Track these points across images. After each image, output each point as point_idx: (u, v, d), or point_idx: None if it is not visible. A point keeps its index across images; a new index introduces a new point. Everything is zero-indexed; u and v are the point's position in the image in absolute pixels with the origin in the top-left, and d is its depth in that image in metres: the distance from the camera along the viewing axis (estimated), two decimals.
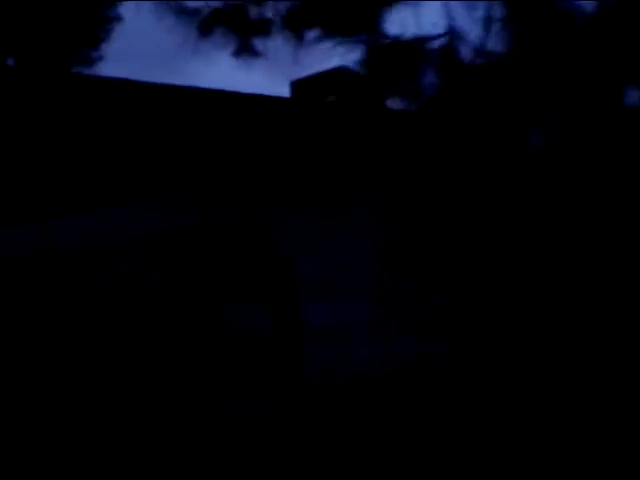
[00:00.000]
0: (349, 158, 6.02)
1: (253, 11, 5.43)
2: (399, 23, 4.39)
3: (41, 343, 7.26)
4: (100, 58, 10.77)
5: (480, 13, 3.96)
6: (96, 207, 7.18)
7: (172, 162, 6.88)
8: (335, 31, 4.50)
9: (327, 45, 5.57)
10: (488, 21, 3.94)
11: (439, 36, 4.21)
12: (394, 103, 4.35)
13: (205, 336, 6.32)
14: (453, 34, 4.11)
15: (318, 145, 6.17)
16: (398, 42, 4.29)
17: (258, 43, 5.62)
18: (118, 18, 10.35)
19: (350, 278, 5.83)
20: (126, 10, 10.34)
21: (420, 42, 4.22)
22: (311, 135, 6.34)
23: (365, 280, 5.79)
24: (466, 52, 4.12)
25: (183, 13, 5.61)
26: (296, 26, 5.46)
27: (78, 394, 6.86)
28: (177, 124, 7.03)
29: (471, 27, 4.04)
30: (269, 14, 5.52)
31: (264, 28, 5.56)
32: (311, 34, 5.58)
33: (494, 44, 4.00)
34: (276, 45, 5.68)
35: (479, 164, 5.12)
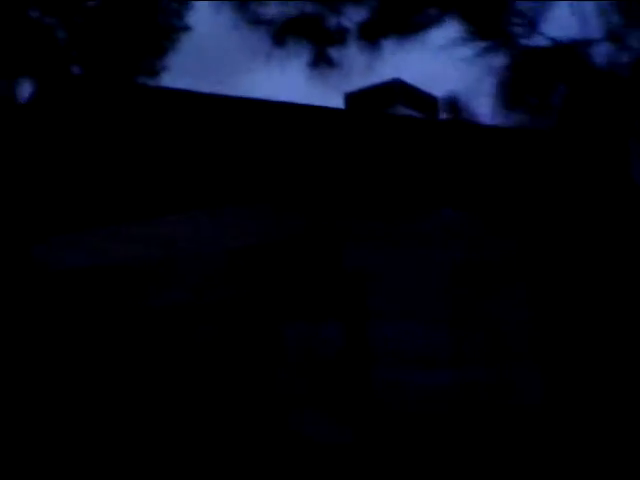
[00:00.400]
0: (424, 174, 5.80)
1: (330, 20, 5.27)
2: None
3: (107, 357, 7.21)
4: (164, 68, 10.80)
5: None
6: (161, 216, 7.12)
7: (239, 175, 6.77)
8: (475, 33, 4.22)
9: (401, 53, 5.37)
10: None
11: (583, 42, 3.91)
12: (513, 117, 4.07)
13: (272, 353, 6.17)
14: (605, 40, 3.80)
15: (391, 159, 5.97)
16: (531, 48, 4.01)
17: (333, 53, 5.46)
18: (186, 28, 10.36)
19: (423, 297, 5.59)
20: (195, 20, 10.33)
21: (556, 49, 3.92)
22: (382, 148, 6.15)
23: (440, 300, 5.55)
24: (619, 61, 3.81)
25: (257, 22, 5.49)
26: (373, 35, 5.29)
27: (141, 409, 6.78)
28: (242, 135, 6.92)
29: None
30: (346, 23, 5.36)
31: (340, 37, 5.40)
32: (387, 42, 5.41)
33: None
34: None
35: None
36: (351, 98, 9.16)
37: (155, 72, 10.69)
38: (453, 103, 4.47)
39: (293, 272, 6.22)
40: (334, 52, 5.51)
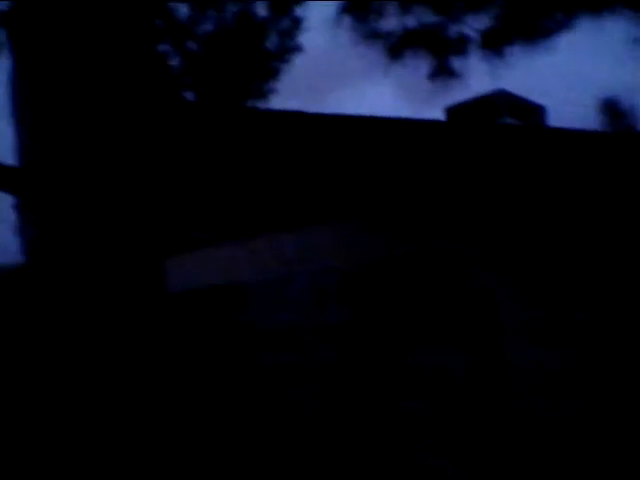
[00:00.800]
0: (565, 187, 5.51)
1: (452, 29, 5.12)
2: None
3: (219, 380, 7.26)
4: (273, 90, 10.90)
5: None
6: (273, 234, 7.11)
7: (353, 188, 6.69)
8: None
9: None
10: None
11: None
12: None
13: (392, 379, 6.00)
14: None
15: (521, 172, 5.72)
16: None
17: (455, 63, 5.32)
18: (297, 48, 10.36)
19: (560, 319, 5.29)
20: (307, 39, 10.28)
21: None
22: (508, 164, 5.91)
23: (577, 322, 5.23)
24: None
25: (375, 36, 5.41)
26: (497, 42, 5.10)
27: (252, 432, 6.75)
28: (356, 152, 6.85)
29: None
30: (467, 31, 5.20)
31: (461, 47, 5.25)
32: (512, 49, 5.21)
33: None
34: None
35: None
36: (452, 112, 8.85)
37: (265, 94, 10.82)
38: (612, 107, 4.18)
39: (414, 293, 6.04)
40: (455, 62, 5.36)
